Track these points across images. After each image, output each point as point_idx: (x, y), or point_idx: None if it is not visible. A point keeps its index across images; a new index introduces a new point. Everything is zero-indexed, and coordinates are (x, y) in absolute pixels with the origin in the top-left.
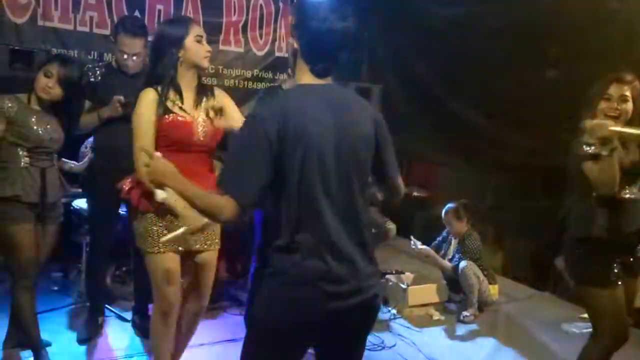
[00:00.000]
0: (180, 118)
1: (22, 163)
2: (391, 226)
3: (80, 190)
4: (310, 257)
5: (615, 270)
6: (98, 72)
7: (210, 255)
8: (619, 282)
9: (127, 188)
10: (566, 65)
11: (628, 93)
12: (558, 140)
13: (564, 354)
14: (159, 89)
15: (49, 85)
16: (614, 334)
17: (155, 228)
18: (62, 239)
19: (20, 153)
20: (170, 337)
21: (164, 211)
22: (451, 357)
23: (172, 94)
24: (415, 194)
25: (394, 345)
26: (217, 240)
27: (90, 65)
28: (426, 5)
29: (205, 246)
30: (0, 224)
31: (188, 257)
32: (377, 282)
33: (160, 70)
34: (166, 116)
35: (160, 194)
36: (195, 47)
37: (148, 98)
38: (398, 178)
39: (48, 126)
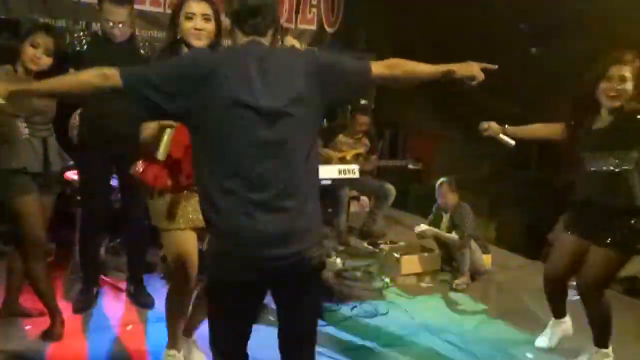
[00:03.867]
0: None
1: (23, 134)
2: (389, 187)
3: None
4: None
5: None
6: (84, 40)
7: None
8: None
9: (140, 169)
10: (567, 38)
11: (628, 73)
12: (555, 111)
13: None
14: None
15: (36, 55)
16: None
17: (170, 205)
18: (56, 209)
19: (19, 124)
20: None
21: (181, 189)
22: (443, 324)
23: None
24: (410, 166)
25: (387, 313)
26: None
27: (76, 35)
28: None
29: None
30: (10, 197)
31: (205, 233)
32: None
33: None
34: None
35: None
36: (183, 24)
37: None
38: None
39: None
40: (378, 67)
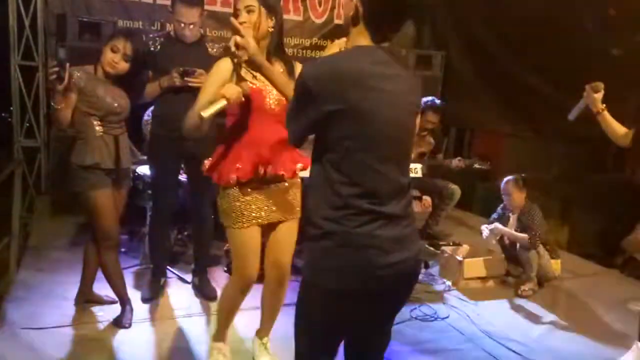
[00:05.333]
0: (252, 85)
1: (97, 132)
2: (454, 187)
3: (144, 157)
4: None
5: None
6: (158, 42)
7: (290, 225)
8: None
9: (207, 166)
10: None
11: None
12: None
13: (630, 333)
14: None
15: (115, 60)
16: None
17: (237, 204)
18: (127, 203)
19: (94, 122)
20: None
21: (245, 186)
22: (506, 331)
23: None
24: (476, 166)
25: (447, 317)
26: (297, 209)
27: (150, 35)
28: None
29: (286, 216)
30: (83, 190)
31: (270, 229)
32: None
33: None
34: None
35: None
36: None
37: (222, 64)
38: None
39: (115, 95)
40: None
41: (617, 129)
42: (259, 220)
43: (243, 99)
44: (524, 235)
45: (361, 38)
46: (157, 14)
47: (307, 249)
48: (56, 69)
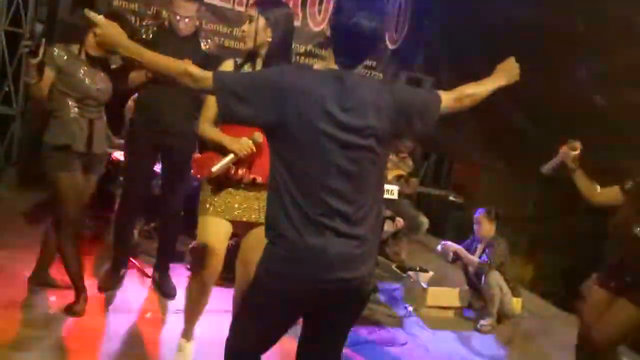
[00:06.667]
0: None
1: (72, 113)
2: (424, 220)
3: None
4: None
5: None
6: (150, 30)
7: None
8: None
9: (194, 159)
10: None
11: None
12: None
13: None
14: (238, 61)
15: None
16: None
17: (211, 196)
18: (97, 188)
19: (70, 103)
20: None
21: (218, 180)
22: None
23: (247, 67)
24: (451, 198)
25: (405, 344)
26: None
27: (144, 23)
28: (489, 2)
29: (254, 217)
30: (50, 170)
31: (246, 228)
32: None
33: None
34: None
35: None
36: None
37: (226, 66)
38: (443, 102)
39: (96, 78)
40: (448, 102)
41: (591, 188)
42: (227, 216)
43: (254, 149)
44: (475, 260)
45: (331, 61)
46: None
47: (264, 249)
48: (29, 42)
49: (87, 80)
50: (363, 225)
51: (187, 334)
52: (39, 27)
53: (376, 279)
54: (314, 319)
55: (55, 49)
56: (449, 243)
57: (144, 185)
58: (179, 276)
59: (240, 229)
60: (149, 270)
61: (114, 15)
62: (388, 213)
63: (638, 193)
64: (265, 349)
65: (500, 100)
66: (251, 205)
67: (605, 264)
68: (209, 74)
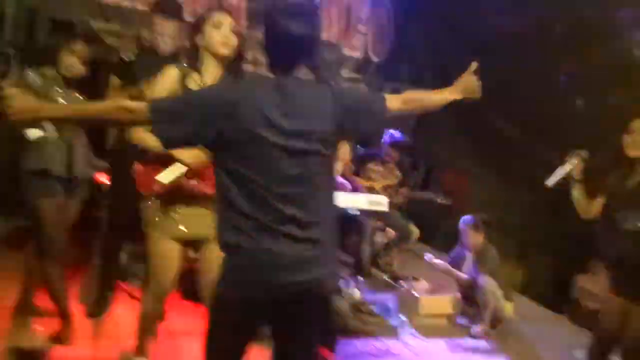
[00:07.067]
0: None
1: (50, 137)
2: (414, 229)
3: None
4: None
5: None
6: (130, 52)
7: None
8: None
9: (137, 171)
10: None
11: None
12: (595, 161)
13: None
14: (185, 67)
15: (71, 63)
16: None
17: (158, 215)
18: (81, 211)
19: (48, 127)
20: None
21: (167, 195)
22: None
23: (196, 75)
24: (439, 201)
25: (399, 354)
26: None
27: (122, 45)
28: (472, 14)
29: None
30: (29, 198)
31: (200, 245)
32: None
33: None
34: None
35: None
36: (209, 32)
37: (168, 73)
38: (387, 110)
39: (72, 99)
40: (394, 103)
41: (589, 204)
42: (179, 235)
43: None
44: (466, 278)
45: (266, 67)
46: (135, 19)
47: (222, 263)
48: None
49: (61, 102)
50: (316, 228)
51: (141, 350)
52: (10, 51)
53: (339, 284)
54: (279, 332)
55: (30, 74)
56: (436, 261)
57: (129, 207)
58: (170, 299)
59: (195, 246)
60: (138, 294)
61: (89, 37)
62: (378, 224)
63: (619, 184)
64: None
65: (485, 108)
66: (201, 221)
67: (600, 264)
68: (143, 105)
